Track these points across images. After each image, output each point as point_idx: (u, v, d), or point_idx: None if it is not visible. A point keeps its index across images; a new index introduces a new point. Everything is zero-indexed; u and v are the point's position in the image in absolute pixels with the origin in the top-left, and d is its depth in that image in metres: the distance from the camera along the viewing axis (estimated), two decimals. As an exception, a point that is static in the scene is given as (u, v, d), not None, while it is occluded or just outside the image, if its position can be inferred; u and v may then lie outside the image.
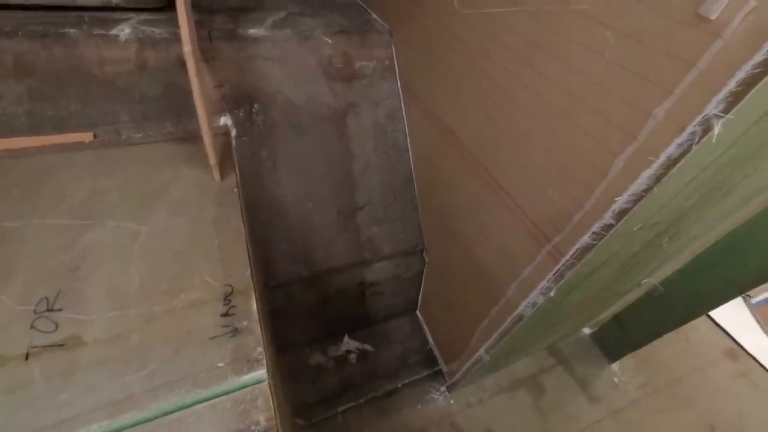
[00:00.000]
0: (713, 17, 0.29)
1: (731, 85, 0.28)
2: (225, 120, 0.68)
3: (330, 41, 0.76)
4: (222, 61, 0.68)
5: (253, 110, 0.70)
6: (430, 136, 0.74)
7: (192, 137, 0.61)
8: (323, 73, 0.76)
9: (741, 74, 0.28)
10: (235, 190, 0.53)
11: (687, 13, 0.30)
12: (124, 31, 0.63)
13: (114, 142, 0.59)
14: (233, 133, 0.68)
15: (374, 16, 0.88)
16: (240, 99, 0.69)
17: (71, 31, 0.60)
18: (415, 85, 0.76)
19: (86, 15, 0.65)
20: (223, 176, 0.55)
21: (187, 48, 0.46)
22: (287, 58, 0.73)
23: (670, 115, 0.33)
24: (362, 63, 0.79)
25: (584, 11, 0.39)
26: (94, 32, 0.62)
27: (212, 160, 0.51)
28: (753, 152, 0.38)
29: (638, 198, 0.37)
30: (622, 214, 0.39)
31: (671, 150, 0.33)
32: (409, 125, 0.81)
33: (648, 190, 0.36)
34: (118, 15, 0.67)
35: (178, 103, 0.65)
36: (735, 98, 0.28)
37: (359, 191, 0.78)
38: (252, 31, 0.71)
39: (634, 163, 0.37)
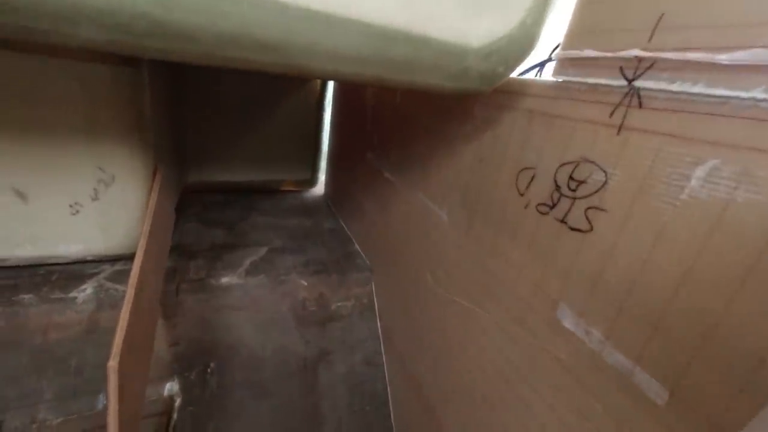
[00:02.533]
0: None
1: None
2: (171, 386, 0.59)
3: (305, 283, 0.74)
4: (184, 315, 0.64)
5: (209, 370, 0.62)
6: (412, 405, 0.63)
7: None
8: (295, 318, 0.71)
9: None
10: None
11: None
12: (85, 291, 0.61)
13: (17, 440, 0.48)
14: (177, 402, 0.58)
15: (357, 247, 0.89)
16: (195, 358, 0.62)
17: (26, 297, 0.58)
18: (395, 337, 0.70)
19: (57, 271, 0.64)
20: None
21: (114, 362, 0.40)
22: (257, 305, 0.69)
23: None
24: (339, 304, 0.75)
25: (561, 360, 0.33)
26: (52, 296, 0.59)
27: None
28: None
29: None
30: None
31: None
32: (390, 374, 0.71)
33: None
34: (90, 268, 0.66)
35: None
36: None
37: (326, 467, 0.63)
38: (224, 280, 0.69)
39: None
